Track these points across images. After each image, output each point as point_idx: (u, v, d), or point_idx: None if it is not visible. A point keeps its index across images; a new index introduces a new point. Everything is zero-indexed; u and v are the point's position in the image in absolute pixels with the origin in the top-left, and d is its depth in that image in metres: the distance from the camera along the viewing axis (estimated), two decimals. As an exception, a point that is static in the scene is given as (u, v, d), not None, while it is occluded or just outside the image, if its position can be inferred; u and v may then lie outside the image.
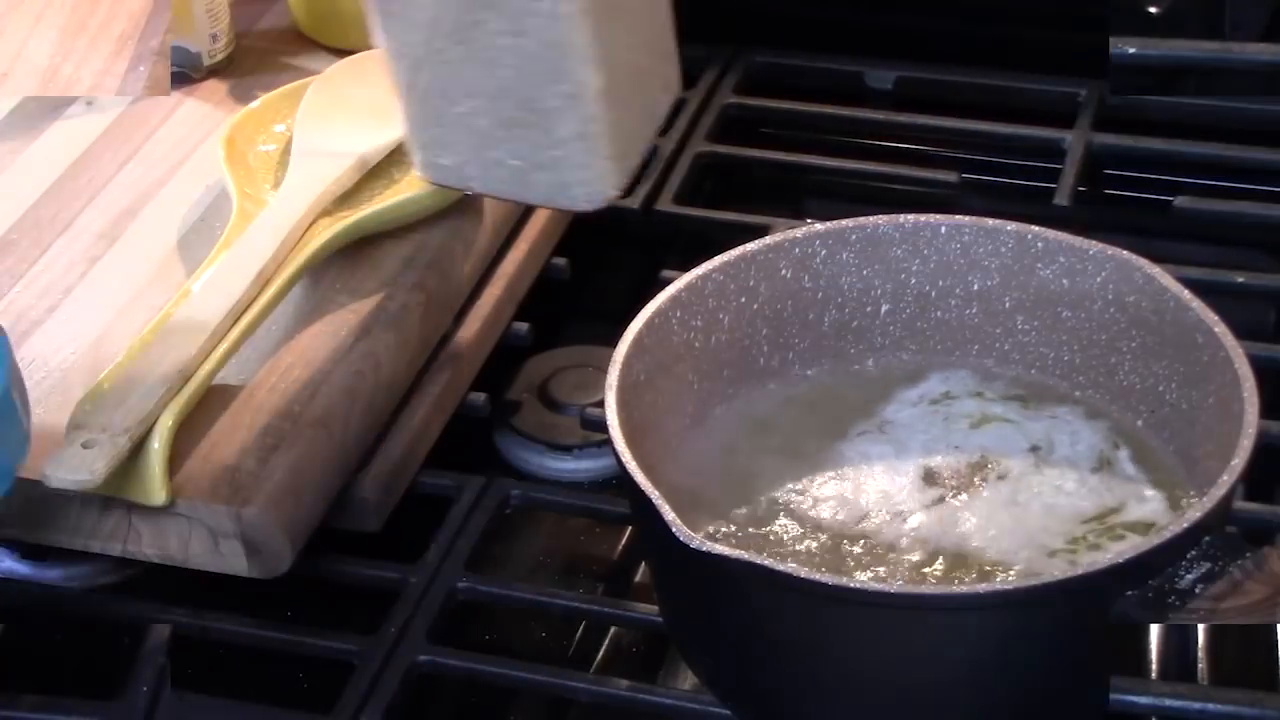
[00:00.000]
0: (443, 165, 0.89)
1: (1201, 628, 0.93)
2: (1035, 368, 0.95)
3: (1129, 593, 0.77)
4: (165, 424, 0.86)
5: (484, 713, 0.96)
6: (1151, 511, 0.86)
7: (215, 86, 1.16)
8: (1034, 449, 0.91)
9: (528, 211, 1.08)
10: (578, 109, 0.84)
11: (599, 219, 1.13)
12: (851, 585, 0.77)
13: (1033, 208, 1.09)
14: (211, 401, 0.90)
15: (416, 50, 0.86)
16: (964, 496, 0.88)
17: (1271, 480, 0.96)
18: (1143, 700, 0.85)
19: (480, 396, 1.02)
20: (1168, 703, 0.85)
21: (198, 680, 0.88)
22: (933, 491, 0.88)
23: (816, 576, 0.77)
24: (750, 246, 0.94)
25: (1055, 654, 0.80)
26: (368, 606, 0.92)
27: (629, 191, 0.89)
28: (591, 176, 0.87)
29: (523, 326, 1.06)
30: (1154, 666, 0.93)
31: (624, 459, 0.81)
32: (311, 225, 0.98)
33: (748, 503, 0.89)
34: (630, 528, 1.00)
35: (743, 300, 0.94)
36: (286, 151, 1.04)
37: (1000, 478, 0.89)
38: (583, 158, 0.86)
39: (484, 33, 0.84)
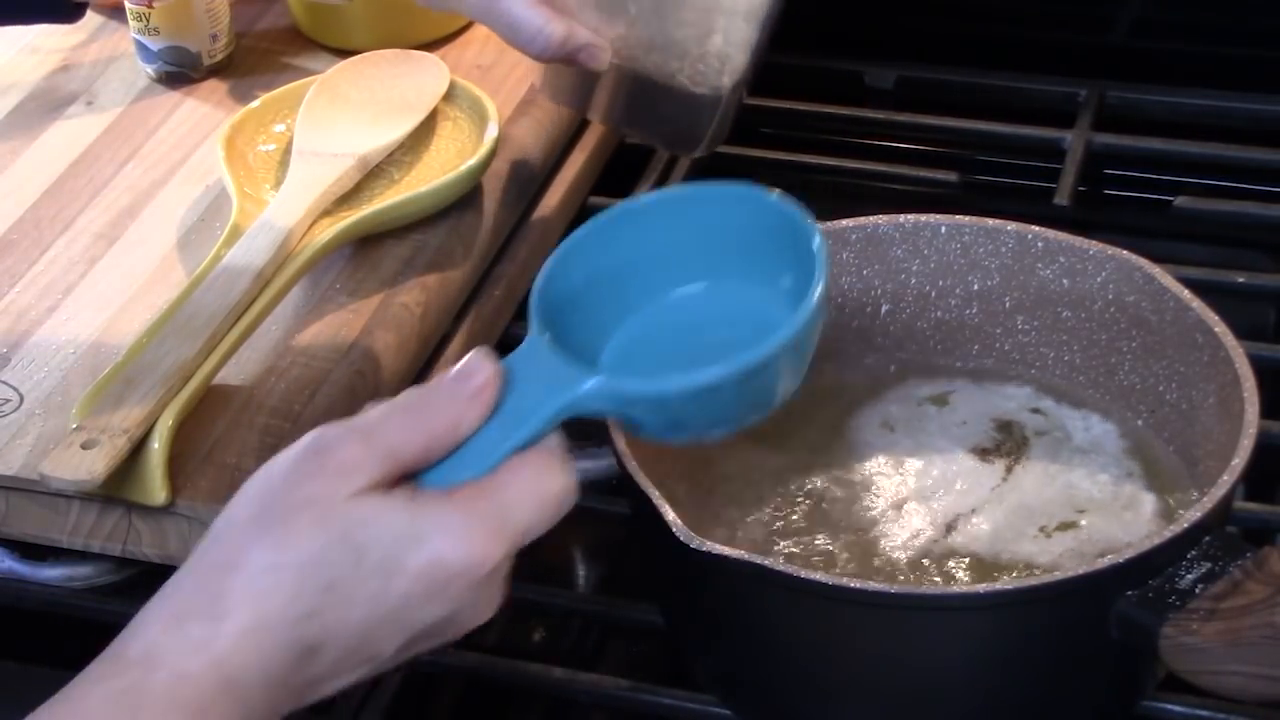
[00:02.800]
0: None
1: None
2: (1035, 368, 0.95)
3: (1129, 593, 0.77)
4: (165, 424, 0.86)
5: (484, 713, 0.95)
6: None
7: (215, 86, 1.16)
8: (1037, 410, 0.92)
9: (528, 212, 1.08)
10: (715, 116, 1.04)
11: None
12: (852, 585, 0.77)
13: (1033, 208, 1.09)
14: (211, 401, 0.90)
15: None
16: (1024, 461, 0.89)
17: (1271, 480, 0.96)
18: (1176, 709, 0.85)
19: (480, 396, 1.02)
20: (1200, 713, 0.84)
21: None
22: (992, 466, 0.89)
23: (816, 576, 0.77)
24: (750, 246, 0.94)
25: (1055, 654, 0.80)
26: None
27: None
28: (706, 140, 1.05)
29: (523, 327, 1.06)
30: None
31: (624, 459, 0.81)
32: (312, 225, 0.98)
33: (749, 502, 0.89)
34: (630, 528, 0.99)
35: (743, 300, 0.94)
36: (286, 151, 1.04)
37: (1039, 433, 0.90)
38: (710, 130, 1.05)
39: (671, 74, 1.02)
